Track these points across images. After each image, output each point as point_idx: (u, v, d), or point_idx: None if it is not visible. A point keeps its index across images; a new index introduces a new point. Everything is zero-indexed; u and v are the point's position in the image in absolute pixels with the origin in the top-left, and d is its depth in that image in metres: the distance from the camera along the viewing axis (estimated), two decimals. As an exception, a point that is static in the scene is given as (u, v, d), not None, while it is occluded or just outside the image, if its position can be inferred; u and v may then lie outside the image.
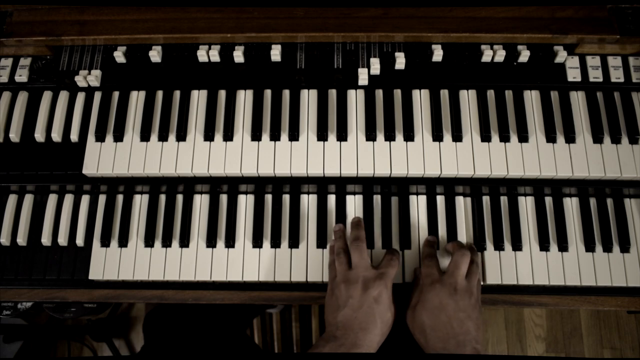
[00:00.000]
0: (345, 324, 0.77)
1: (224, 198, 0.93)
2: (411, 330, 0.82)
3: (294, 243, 0.89)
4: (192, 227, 0.91)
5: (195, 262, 0.89)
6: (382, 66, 0.92)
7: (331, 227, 0.90)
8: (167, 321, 1.10)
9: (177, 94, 0.94)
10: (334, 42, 0.94)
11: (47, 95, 0.94)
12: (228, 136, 0.90)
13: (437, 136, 0.89)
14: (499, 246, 0.88)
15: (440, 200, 0.92)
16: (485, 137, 0.89)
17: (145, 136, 0.91)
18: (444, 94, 0.92)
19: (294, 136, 0.89)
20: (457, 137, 0.89)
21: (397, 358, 0.90)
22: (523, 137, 0.89)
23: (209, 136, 0.90)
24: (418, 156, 0.88)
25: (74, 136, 0.91)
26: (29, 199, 0.94)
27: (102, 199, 0.93)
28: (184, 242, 0.89)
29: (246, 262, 0.89)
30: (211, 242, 0.89)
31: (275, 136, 0.89)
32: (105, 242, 0.90)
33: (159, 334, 1.10)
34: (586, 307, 0.88)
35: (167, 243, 0.89)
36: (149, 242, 0.90)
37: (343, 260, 0.83)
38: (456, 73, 0.93)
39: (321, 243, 0.89)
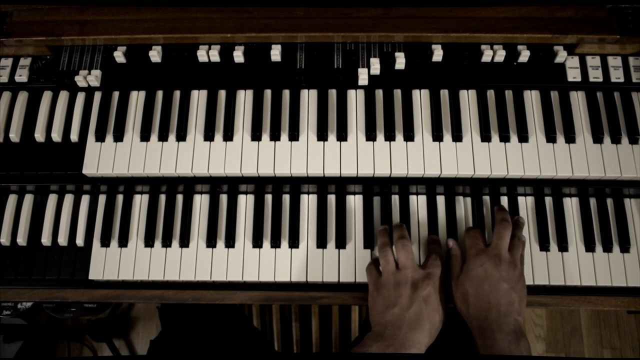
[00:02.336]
0: (395, 324, 0.76)
1: (224, 198, 0.93)
2: (454, 301, 0.82)
3: (294, 243, 0.89)
4: (192, 227, 0.91)
5: (195, 262, 0.89)
6: (382, 66, 0.92)
7: (331, 228, 0.90)
8: (182, 309, 1.10)
9: (177, 94, 0.94)
10: (334, 42, 0.94)
11: (47, 95, 0.94)
12: (228, 136, 0.90)
13: (437, 136, 0.89)
14: (499, 246, 0.88)
15: (440, 200, 0.92)
16: (485, 137, 0.89)
17: (145, 136, 0.91)
18: (444, 94, 0.92)
19: (294, 136, 0.89)
20: (457, 137, 0.89)
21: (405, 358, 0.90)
22: (523, 137, 0.89)
23: (209, 136, 0.90)
24: (418, 156, 0.88)
25: (74, 136, 0.91)
26: (29, 199, 0.94)
27: (102, 199, 0.93)
28: (184, 242, 0.89)
29: (246, 262, 0.89)
30: (211, 242, 0.89)
31: (275, 136, 0.89)
32: (105, 242, 0.90)
33: (174, 322, 1.11)
34: (586, 307, 0.88)
35: (167, 243, 0.89)
36: (149, 242, 0.90)
37: (389, 257, 0.83)
38: (456, 73, 0.93)
39: (321, 243, 0.89)
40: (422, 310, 0.77)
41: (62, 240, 0.91)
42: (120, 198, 0.93)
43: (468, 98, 0.92)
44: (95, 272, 0.89)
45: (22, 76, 0.95)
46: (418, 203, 0.92)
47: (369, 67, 0.92)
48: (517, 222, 0.87)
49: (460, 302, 0.80)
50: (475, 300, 0.78)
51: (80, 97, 0.94)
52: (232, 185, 0.92)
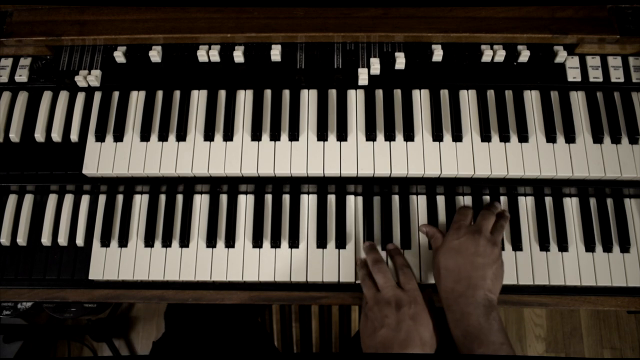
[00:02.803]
0: (385, 344, 0.75)
1: (224, 198, 0.93)
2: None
3: (294, 243, 0.89)
4: (192, 227, 0.91)
5: (195, 262, 0.89)
6: (382, 66, 0.92)
7: (331, 228, 0.90)
8: (187, 311, 1.10)
9: (177, 94, 0.94)
10: (334, 42, 0.94)
11: (47, 95, 0.94)
12: (228, 136, 0.90)
13: (437, 136, 0.89)
14: (499, 246, 0.88)
15: (440, 200, 0.92)
16: (485, 137, 0.89)
17: (145, 136, 0.91)
18: (444, 94, 0.92)
19: (294, 136, 0.89)
20: (457, 137, 0.89)
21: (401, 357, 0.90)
22: (523, 137, 0.89)
23: (209, 136, 0.90)
24: (418, 156, 0.88)
25: (74, 136, 0.91)
26: (29, 199, 0.94)
27: (102, 199, 0.93)
28: (184, 242, 0.89)
29: (246, 262, 0.89)
30: (211, 242, 0.89)
31: (275, 136, 0.89)
32: (105, 242, 0.90)
33: (178, 323, 1.11)
34: (586, 307, 0.88)
35: (167, 243, 0.89)
36: (149, 242, 0.90)
37: (369, 285, 0.83)
38: (456, 73, 0.93)
39: (321, 243, 0.89)
40: (411, 328, 0.75)
41: (62, 240, 0.91)
42: (120, 198, 0.93)
43: (468, 98, 0.92)
44: (95, 272, 0.89)
45: (22, 76, 0.95)
46: (418, 203, 0.92)
47: (369, 67, 0.92)
48: (503, 213, 0.88)
49: (435, 275, 0.80)
50: (446, 272, 0.78)
51: (80, 97, 0.94)
52: (232, 185, 0.92)
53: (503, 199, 0.92)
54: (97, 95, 0.94)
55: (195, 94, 0.93)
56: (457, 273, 0.77)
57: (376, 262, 0.84)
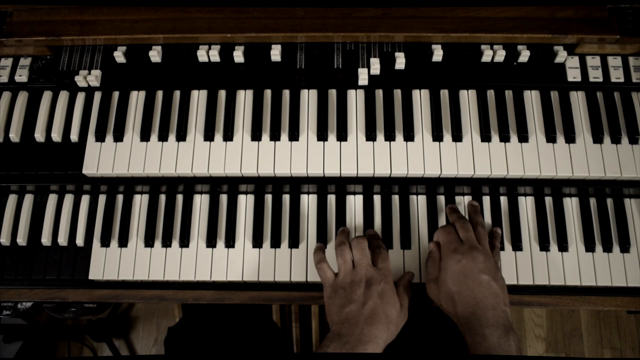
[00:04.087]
0: (351, 320, 0.76)
1: (224, 198, 0.93)
2: (436, 302, 0.82)
3: (294, 243, 0.89)
4: (192, 227, 0.91)
5: (195, 262, 0.89)
6: (382, 66, 0.92)
7: (331, 227, 0.90)
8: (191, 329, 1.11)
9: (177, 94, 0.93)
10: (334, 42, 0.94)
11: (47, 95, 0.94)
12: (228, 136, 0.90)
13: (437, 136, 0.89)
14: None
15: (440, 200, 0.92)
16: (485, 137, 0.89)
17: (145, 136, 0.91)
18: (444, 94, 0.92)
19: (294, 136, 0.89)
20: (457, 137, 0.89)
21: (398, 358, 0.90)
22: (523, 137, 0.89)
23: (209, 136, 0.90)
24: (418, 156, 0.88)
25: (74, 136, 0.91)
26: (29, 199, 0.94)
27: (102, 199, 0.93)
28: (184, 242, 0.89)
29: (246, 262, 0.89)
30: (211, 242, 0.89)
31: (275, 136, 0.89)
32: (105, 242, 0.90)
33: (195, 311, 1.12)
34: (586, 307, 0.88)
35: (167, 243, 0.89)
36: (149, 242, 0.90)
37: (346, 257, 0.83)
38: (456, 73, 0.93)
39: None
40: (377, 305, 0.77)
41: (62, 240, 0.91)
42: (120, 198, 0.93)
43: (468, 98, 0.92)
44: (95, 272, 0.89)
45: (22, 76, 0.95)
46: (418, 203, 0.92)
47: (369, 67, 0.92)
48: (469, 213, 0.89)
49: (446, 302, 0.80)
50: (460, 298, 0.77)
51: (80, 97, 0.94)
52: (232, 185, 0.92)
53: (503, 199, 0.92)
54: (97, 95, 0.94)
55: (195, 94, 0.93)
56: (473, 297, 0.77)
57: (358, 236, 0.85)
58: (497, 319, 0.75)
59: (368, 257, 0.82)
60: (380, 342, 0.75)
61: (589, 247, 0.88)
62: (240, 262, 0.89)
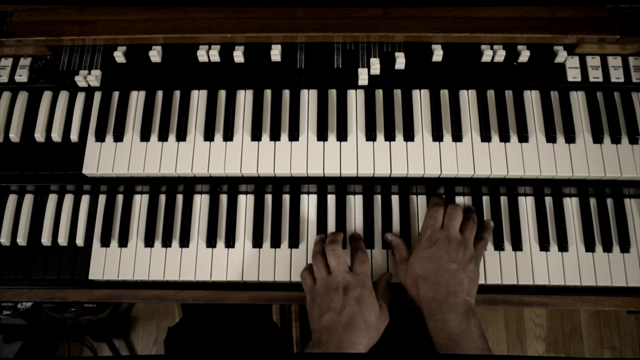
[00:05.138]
0: (329, 328, 0.76)
1: (224, 198, 0.93)
2: (403, 284, 0.83)
3: (294, 243, 0.89)
4: (192, 227, 0.91)
5: (195, 262, 0.89)
6: (382, 66, 0.92)
7: (331, 228, 0.90)
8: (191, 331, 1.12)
9: (177, 94, 0.93)
10: (334, 42, 0.94)
11: (47, 95, 0.94)
12: (228, 136, 0.90)
13: (437, 136, 0.89)
14: (498, 246, 0.88)
15: (440, 200, 0.92)
16: (485, 137, 0.89)
17: (145, 136, 0.91)
18: (444, 94, 0.92)
19: (294, 136, 0.89)
20: (457, 137, 0.89)
21: (392, 358, 0.91)
22: (523, 137, 0.89)
23: (209, 136, 0.90)
24: (418, 156, 0.88)
25: (74, 136, 0.91)
26: (29, 199, 0.94)
27: (102, 199, 0.93)
28: (184, 242, 0.89)
29: (246, 262, 0.89)
30: (211, 242, 0.89)
31: (275, 136, 0.89)
32: (105, 242, 0.90)
33: (195, 311, 1.12)
34: (586, 307, 0.88)
35: (167, 243, 0.89)
36: (148, 242, 0.90)
37: (320, 265, 0.83)
38: (456, 73, 0.93)
39: (321, 243, 0.89)
40: (355, 312, 0.77)
41: (62, 240, 0.91)
42: (120, 198, 0.93)
43: (468, 98, 0.92)
44: (95, 272, 0.89)
45: (22, 76, 0.95)
46: (418, 203, 0.92)
47: (369, 67, 0.92)
48: (470, 207, 0.90)
49: (410, 284, 0.81)
50: (423, 281, 0.79)
51: (80, 97, 0.94)
52: (232, 185, 0.92)
53: (503, 199, 0.92)
54: (97, 95, 0.94)
55: (195, 94, 0.93)
56: (435, 282, 0.78)
57: (332, 242, 0.84)
58: (457, 305, 0.76)
59: (343, 263, 0.82)
60: (361, 347, 0.76)
61: (589, 247, 0.88)
62: (240, 262, 0.89)
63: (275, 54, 0.92)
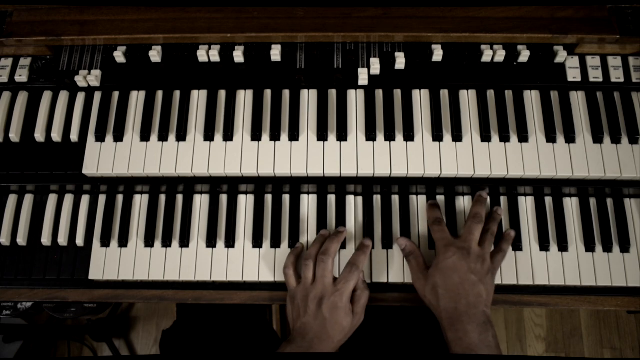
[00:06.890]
0: (302, 332, 0.80)
1: (224, 198, 0.93)
2: (421, 293, 0.84)
3: (294, 243, 0.89)
4: (192, 227, 0.91)
5: (195, 262, 0.89)
6: (382, 66, 0.92)
7: (331, 228, 0.91)
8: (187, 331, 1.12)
9: (177, 94, 0.93)
10: (334, 42, 0.94)
11: (47, 95, 0.94)
12: (228, 136, 0.90)
13: (437, 136, 0.89)
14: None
15: (440, 200, 0.92)
16: (485, 137, 0.89)
17: (145, 136, 0.91)
18: (444, 94, 0.92)
19: (294, 136, 0.89)
20: (457, 137, 0.89)
21: (379, 358, 0.93)
22: (523, 137, 0.89)
23: (209, 136, 0.90)
24: (418, 156, 0.88)
25: (74, 136, 0.91)
26: (29, 199, 0.94)
27: (102, 199, 0.93)
28: (184, 242, 0.89)
29: (246, 262, 0.89)
30: (211, 242, 0.89)
31: (275, 136, 0.89)
32: (105, 242, 0.90)
33: (189, 313, 1.14)
34: (586, 307, 0.88)
35: (167, 243, 0.89)
36: (149, 242, 0.90)
37: (308, 272, 0.84)
38: (456, 73, 0.93)
39: (321, 243, 0.89)
40: (325, 323, 0.80)
41: (62, 240, 0.91)
42: (120, 198, 0.93)
43: (468, 98, 0.92)
44: (95, 272, 0.89)
45: (22, 76, 0.95)
46: (418, 203, 0.92)
47: (369, 67, 0.92)
48: (493, 214, 0.89)
49: (430, 294, 0.81)
50: (444, 292, 0.79)
51: (80, 97, 0.94)
52: (232, 185, 0.92)
53: (503, 199, 0.92)
54: (97, 95, 0.94)
55: (195, 94, 0.93)
56: (456, 293, 0.79)
57: (324, 252, 0.84)
58: (477, 316, 0.77)
59: (329, 275, 0.83)
60: (330, 350, 0.80)
61: (589, 247, 0.88)
62: (240, 262, 0.89)
63: (275, 54, 0.92)
